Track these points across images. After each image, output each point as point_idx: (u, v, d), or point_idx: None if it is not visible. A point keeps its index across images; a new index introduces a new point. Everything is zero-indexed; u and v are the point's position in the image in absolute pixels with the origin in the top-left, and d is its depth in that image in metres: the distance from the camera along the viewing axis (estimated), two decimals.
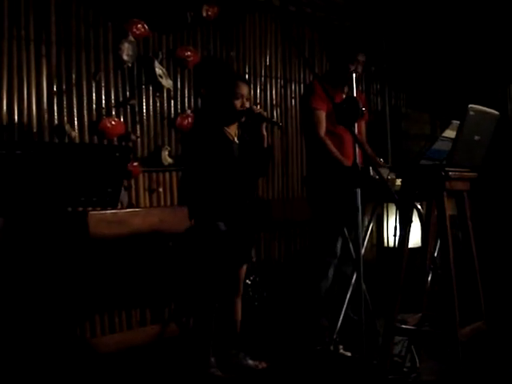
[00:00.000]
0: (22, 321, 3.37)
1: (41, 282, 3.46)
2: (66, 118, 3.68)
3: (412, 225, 3.16)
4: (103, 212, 3.68)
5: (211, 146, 3.22)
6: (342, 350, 3.56)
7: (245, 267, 3.42)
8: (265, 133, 3.33)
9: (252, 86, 4.73)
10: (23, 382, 3.22)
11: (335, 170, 3.55)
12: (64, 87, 3.67)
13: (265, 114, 3.42)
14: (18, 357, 3.30)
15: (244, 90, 3.30)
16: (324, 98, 3.58)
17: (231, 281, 3.34)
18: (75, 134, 3.70)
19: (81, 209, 3.58)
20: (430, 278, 3.30)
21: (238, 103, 3.26)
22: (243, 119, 3.32)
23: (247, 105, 3.30)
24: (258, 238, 4.71)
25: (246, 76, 4.69)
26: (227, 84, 3.32)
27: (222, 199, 3.23)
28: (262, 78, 4.84)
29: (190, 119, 4.23)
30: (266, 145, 3.34)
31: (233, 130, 3.33)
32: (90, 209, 3.59)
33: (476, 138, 2.92)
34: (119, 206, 3.74)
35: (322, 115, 3.69)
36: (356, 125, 2.98)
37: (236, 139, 3.33)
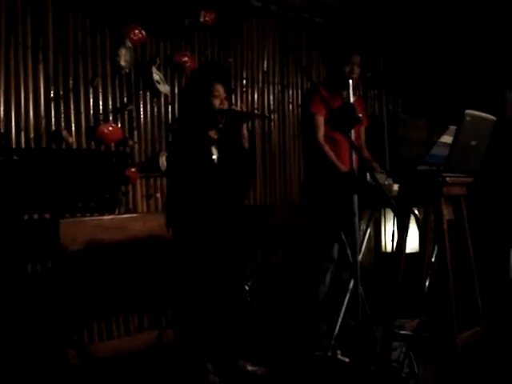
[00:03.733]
0: (20, 327, 3.37)
1: (40, 288, 3.46)
2: (63, 124, 3.68)
3: (409, 230, 3.16)
4: (100, 218, 3.67)
5: (188, 148, 3.14)
6: (340, 356, 3.56)
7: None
8: (245, 133, 3.25)
9: (250, 92, 4.75)
10: None
11: (332, 175, 3.55)
12: (61, 93, 3.68)
13: (245, 110, 3.28)
14: (16, 363, 3.29)
15: (220, 89, 3.20)
16: (322, 103, 3.58)
17: (220, 290, 3.32)
18: (72, 139, 3.70)
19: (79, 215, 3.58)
20: (427, 283, 3.30)
21: (216, 102, 3.17)
22: (223, 120, 3.20)
23: (226, 104, 3.22)
24: (255, 243, 4.72)
25: (244, 82, 4.70)
26: (202, 84, 3.21)
27: (201, 205, 3.15)
28: (260, 84, 4.85)
29: None
30: (247, 145, 3.27)
31: (212, 134, 3.24)
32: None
33: (473, 143, 2.93)
34: (116, 212, 3.75)
35: (321, 120, 3.69)
36: (353, 130, 2.98)
37: (215, 142, 3.24)
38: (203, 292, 3.25)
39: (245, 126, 3.27)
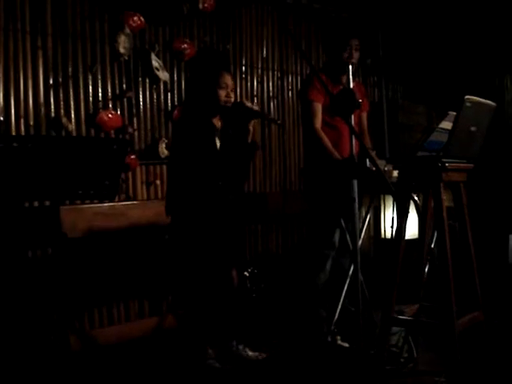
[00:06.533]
0: (22, 313, 3.38)
1: (41, 274, 3.47)
2: (62, 111, 3.67)
3: (409, 216, 3.16)
4: (100, 205, 3.67)
5: (193, 136, 3.16)
6: (339, 341, 3.58)
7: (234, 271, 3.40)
8: (251, 128, 3.27)
9: (249, 79, 4.74)
10: (23, 374, 3.23)
11: (332, 161, 3.55)
12: (60, 80, 3.67)
13: (256, 108, 3.32)
14: (18, 349, 3.31)
15: (229, 80, 3.23)
16: (321, 90, 3.58)
17: (221, 277, 3.33)
18: (72, 126, 3.70)
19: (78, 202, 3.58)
20: (426, 269, 3.31)
21: (222, 93, 3.20)
22: (231, 113, 3.24)
23: (232, 96, 3.24)
24: (255, 230, 4.73)
25: (243, 68, 4.69)
26: (211, 73, 3.24)
27: (201, 192, 3.18)
28: (259, 70, 4.84)
29: None
30: (249, 140, 3.28)
31: (216, 122, 3.27)
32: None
33: (472, 129, 2.92)
34: (116, 199, 3.75)
35: (319, 107, 3.69)
36: (354, 116, 2.97)
37: (219, 131, 3.27)
38: (203, 278, 3.26)
39: (253, 122, 3.27)
